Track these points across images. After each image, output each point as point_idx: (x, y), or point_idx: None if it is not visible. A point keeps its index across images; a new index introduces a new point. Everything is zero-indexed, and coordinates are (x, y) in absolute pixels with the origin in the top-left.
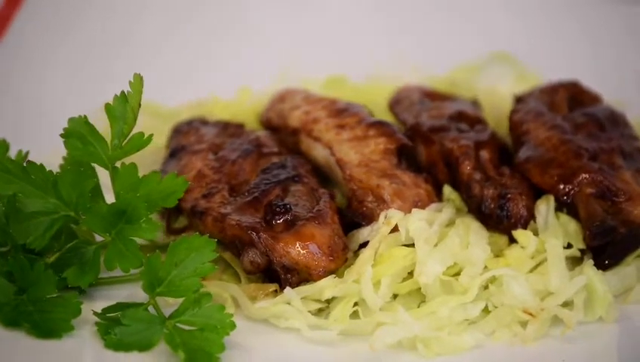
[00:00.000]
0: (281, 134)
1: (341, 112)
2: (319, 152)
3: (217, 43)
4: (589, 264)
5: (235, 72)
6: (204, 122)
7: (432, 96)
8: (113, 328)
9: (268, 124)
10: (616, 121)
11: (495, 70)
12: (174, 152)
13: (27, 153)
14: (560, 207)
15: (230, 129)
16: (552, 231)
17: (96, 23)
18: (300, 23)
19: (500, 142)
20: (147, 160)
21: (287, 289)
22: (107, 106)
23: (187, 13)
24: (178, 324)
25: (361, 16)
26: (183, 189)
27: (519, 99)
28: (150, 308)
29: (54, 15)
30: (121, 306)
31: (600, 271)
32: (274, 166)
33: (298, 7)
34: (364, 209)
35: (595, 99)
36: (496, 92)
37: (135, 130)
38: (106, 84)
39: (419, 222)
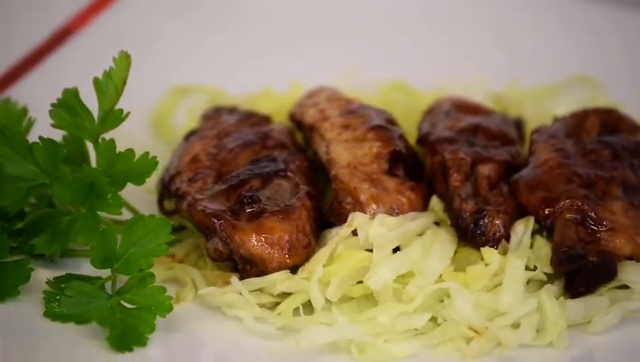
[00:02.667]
0: (303, 130)
1: (351, 113)
2: (323, 150)
3: (290, 40)
4: (546, 288)
5: (301, 69)
6: (232, 110)
7: (462, 108)
8: (56, 298)
9: (293, 119)
10: (637, 152)
11: (575, 93)
12: (187, 136)
13: (34, 120)
14: (541, 230)
15: (253, 119)
16: (519, 253)
17: (175, 24)
18: (372, 26)
19: (514, 161)
20: None
21: (234, 279)
22: (95, 81)
23: (265, 11)
24: (122, 302)
25: (437, 24)
26: (153, 170)
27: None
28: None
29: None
30: (70, 277)
31: (559, 297)
32: (265, 158)
33: (373, 11)
34: (343, 210)
35: (634, 128)
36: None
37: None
38: (183, 72)
39: (379, 228)
